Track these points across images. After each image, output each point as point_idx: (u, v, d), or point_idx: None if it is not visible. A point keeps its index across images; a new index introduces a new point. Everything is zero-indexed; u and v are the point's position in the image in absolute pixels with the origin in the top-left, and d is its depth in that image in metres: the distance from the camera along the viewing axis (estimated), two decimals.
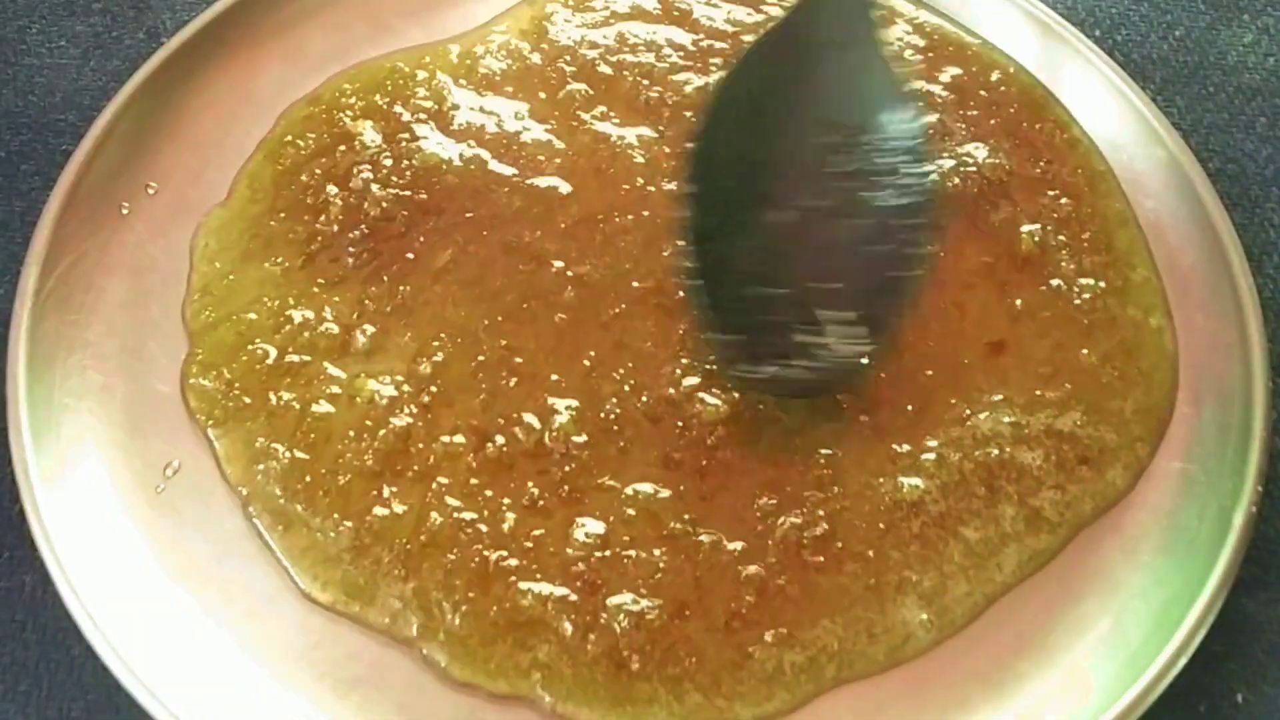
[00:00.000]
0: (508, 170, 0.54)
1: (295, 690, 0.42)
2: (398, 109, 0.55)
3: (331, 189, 0.53)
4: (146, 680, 0.41)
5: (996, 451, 0.47)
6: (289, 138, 0.54)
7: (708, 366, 0.48)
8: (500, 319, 0.50)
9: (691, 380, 0.48)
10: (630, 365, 0.48)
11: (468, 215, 0.52)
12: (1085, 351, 0.50)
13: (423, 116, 0.55)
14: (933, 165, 0.49)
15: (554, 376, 0.48)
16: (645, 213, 0.52)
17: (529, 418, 0.47)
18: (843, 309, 0.45)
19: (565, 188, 0.53)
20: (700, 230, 0.47)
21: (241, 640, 0.43)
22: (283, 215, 0.52)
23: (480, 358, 0.49)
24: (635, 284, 0.50)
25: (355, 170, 0.53)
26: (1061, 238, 0.53)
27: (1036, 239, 0.52)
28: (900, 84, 0.50)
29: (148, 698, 0.41)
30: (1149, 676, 0.42)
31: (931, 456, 0.47)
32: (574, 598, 0.43)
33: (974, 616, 0.44)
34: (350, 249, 0.51)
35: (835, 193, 0.47)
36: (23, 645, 0.45)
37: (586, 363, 0.48)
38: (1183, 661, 0.42)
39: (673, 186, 0.53)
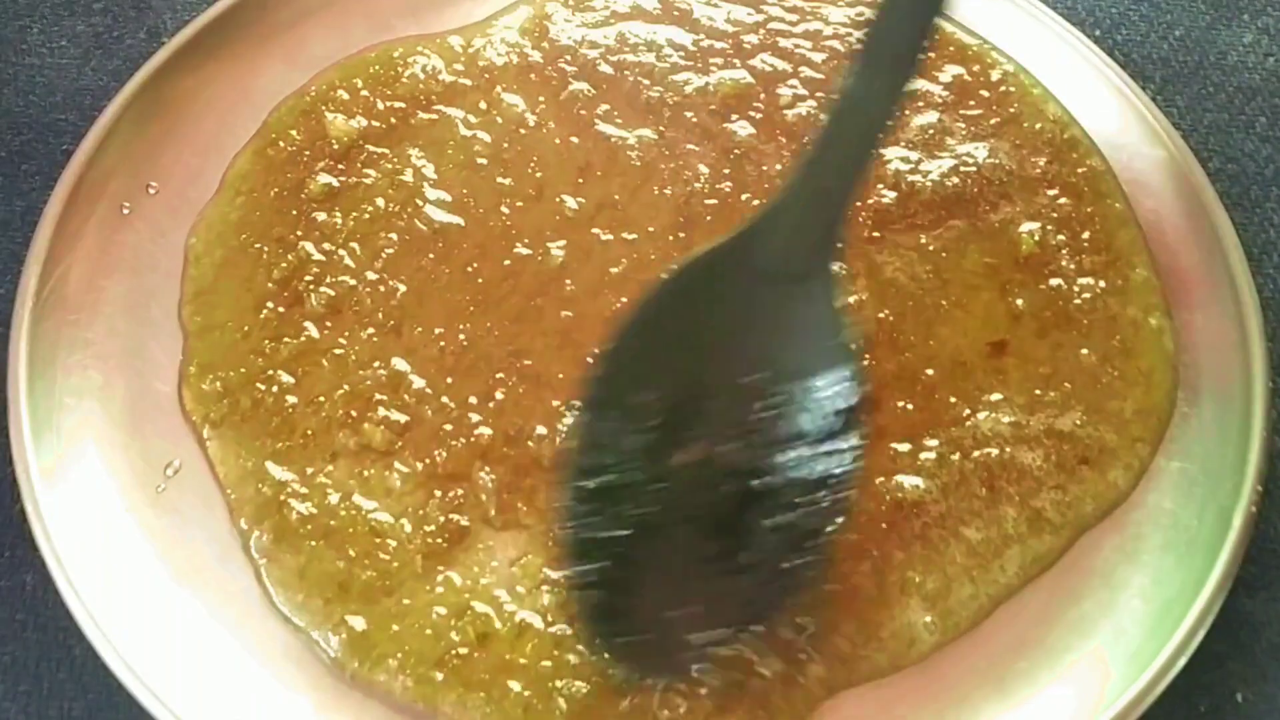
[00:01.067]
0: (507, 171, 0.54)
1: (296, 690, 0.42)
2: (387, 103, 0.55)
3: (320, 182, 0.53)
4: (147, 680, 0.41)
5: (996, 452, 0.47)
6: (273, 136, 0.54)
7: None
8: (508, 321, 0.50)
9: None
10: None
11: (468, 216, 0.52)
12: (1085, 351, 0.50)
13: (416, 108, 0.55)
14: (858, 440, 0.41)
15: (560, 375, 0.48)
16: (644, 212, 0.52)
17: (540, 429, 0.47)
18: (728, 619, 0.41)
19: (565, 187, 0.53)
20: (586, 464, 0.42)
21: (242, 640, 0.43)
22: (270, 225, 0.52)
23: (487, 361, 0.49)
24: (638, 279, 0.51)
25: (347, 175, 0.53)
26: (1061, 238, 0.53)
27: (1036, 239, 0.53)
28: (847, 339, 0.43)
29: (148, 697, 0.41)
30: (1149, 676, 0.42)
31: (932, 456, 0.47)
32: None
33: (979, 620, 0.44)
34: (340, 251, 0.51)
35: (748, 442, 0.42)
36: (23, 645, 0.45)
37: (590, 360, 0.48)
38: (1183, 661, 0.42)
39: (669, 190, 0.53)
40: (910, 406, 0.48)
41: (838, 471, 0.41)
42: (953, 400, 0.48)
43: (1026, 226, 0.53)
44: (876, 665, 0.43)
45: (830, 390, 0.42)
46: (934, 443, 0.47)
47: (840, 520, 0.42)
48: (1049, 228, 0.53)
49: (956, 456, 0.47)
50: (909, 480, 0.46)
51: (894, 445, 0.47)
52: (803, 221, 0.44)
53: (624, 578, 0.41)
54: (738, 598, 0.42)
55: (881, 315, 0.50)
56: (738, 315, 0.44)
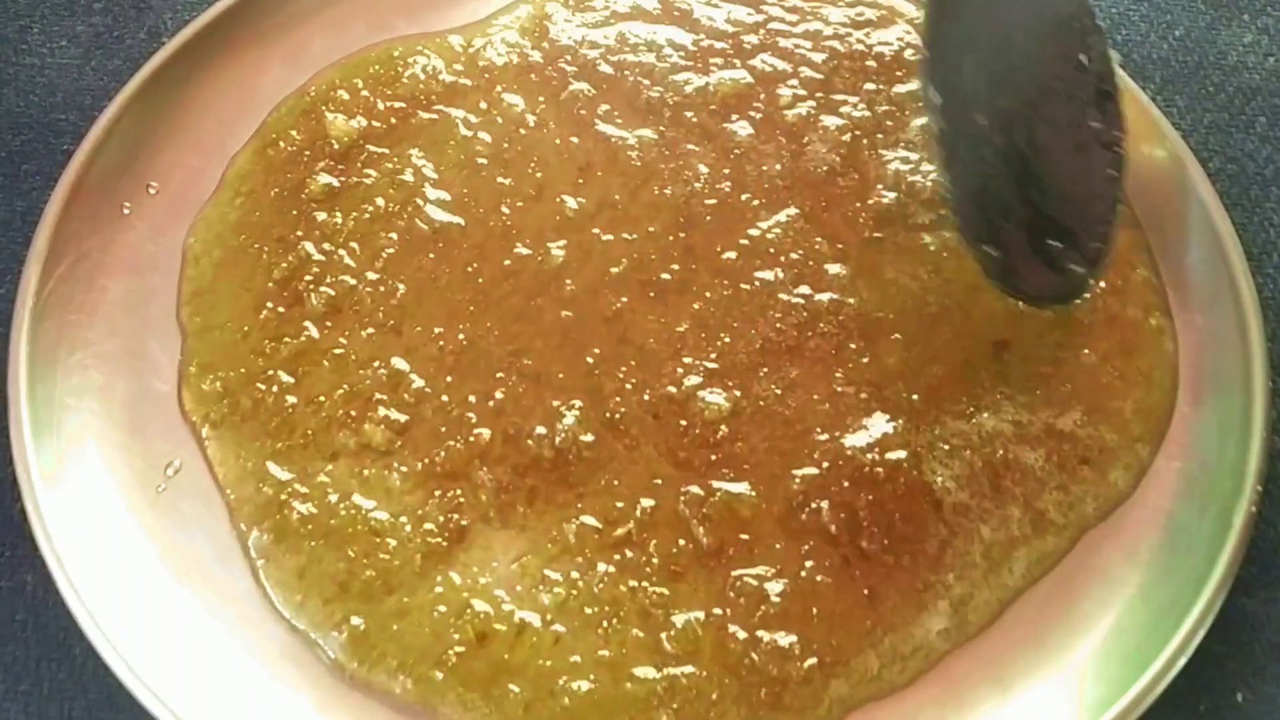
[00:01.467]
0: (507, 171, 0.54)
1: (296, 690, 0.43)
2: (387, 103, 0.55)
3: (320, 182, 0.53)
4: (147, 679, 0.41)
5: (1002, 451, 0.47)
6: (273, 136, 0.55)
7: (708, 364, 0.48)
8: (508, 321, 0.50)
9: (694, 379, 0.48)
10: (632, 363, 0.49)
11: (468, 216, 0.52)
12: (1085, 351, 0.50)
13: (416, 108, 0.55)
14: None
15: (560, 375, 0.48)
16: (644, 212, 0.53)
17: (540, 429, 0.47)
18: (1080, 221, 0.48)
19: (565, 187, 0.53)
20: (951, 149, 0.47)
21: (242, 640, 0.43)
22: (270, 225, 0.52)
23: (487, 360, 0.49)
24: (638, 279, 0.51)
25: (346, 176, 0.53)
26: None
27: None
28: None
29: (149, 697, 0.41)
30: (1149, 675, 0.42)
31: (945, 448, 0.47)
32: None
33: (989, 623, 0.44)
34: (340, 251, 0.52)
35: (1060, 101, 0.48)
36: (24, 644, 0.45)
37: (589, 360, 0.49)
38: (1183, 660, 0.42)
39: (669, 190, 0.53)
40: (915, 397, 0.48)
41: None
42: (957, 398, 0.48)
43: None
44: (891, 684, 0.43)
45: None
46: (942, 433, 0.47)
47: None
48: None
49: (967, 452, 0.47)
50: (930, 473, 0.46)
51: (905, 437, 0.47)
52: None
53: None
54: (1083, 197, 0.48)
55: (882, 315, 0.50)
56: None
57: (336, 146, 0.54)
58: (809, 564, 0.44)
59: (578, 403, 0.47)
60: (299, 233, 0.52)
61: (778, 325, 0.49)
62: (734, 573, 0.44)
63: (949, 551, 0.45)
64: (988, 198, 0.48)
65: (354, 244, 0.52)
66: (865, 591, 0.44)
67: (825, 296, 0.50)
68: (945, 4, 0.48)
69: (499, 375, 0.48)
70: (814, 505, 0.45)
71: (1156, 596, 0.44)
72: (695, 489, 0.46)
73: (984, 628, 0.44)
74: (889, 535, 0.45)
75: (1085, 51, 0.49)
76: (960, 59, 0.47)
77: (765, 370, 0.48)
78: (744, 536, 0.45)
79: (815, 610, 0.44)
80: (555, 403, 0.48)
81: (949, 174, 0.48)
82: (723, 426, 0.47)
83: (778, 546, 0.45)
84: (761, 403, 0.48)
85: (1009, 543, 0.46)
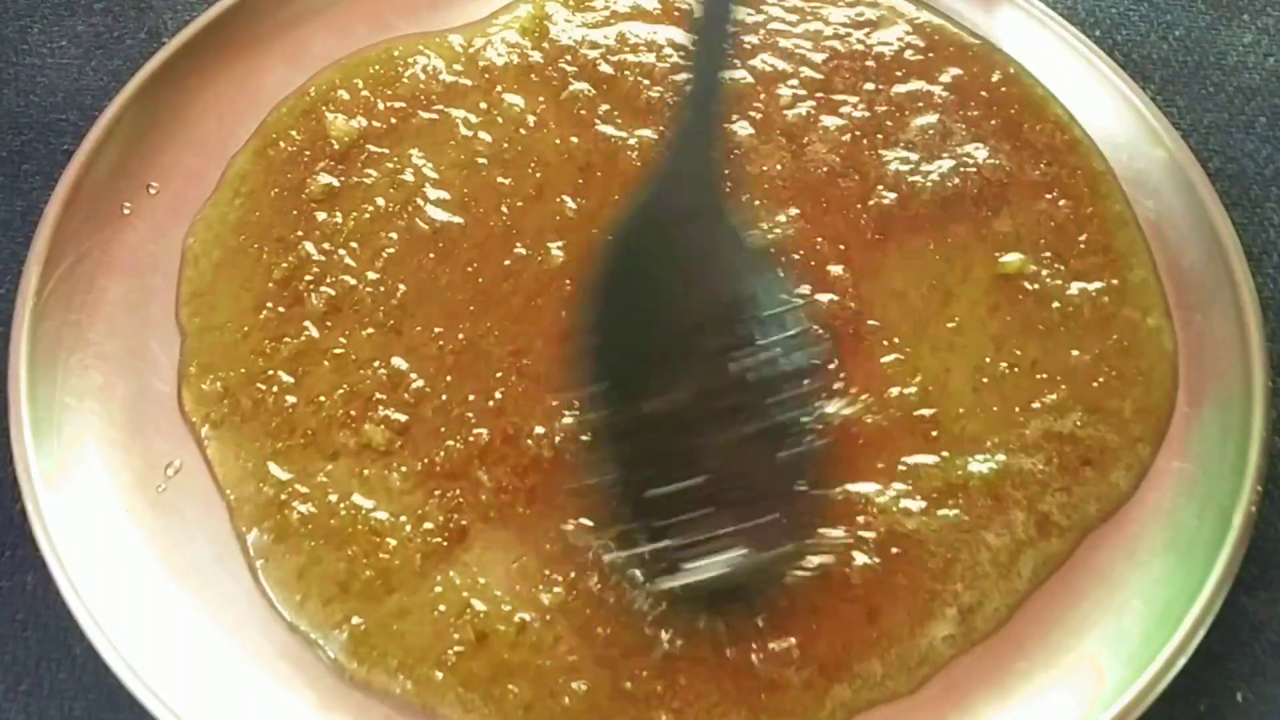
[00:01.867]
0: (507, 171, 0.54)
1: (295, 690, 0.43)
2: (387, 103, 0.55)
3: (320, 182, 0.53)
4: (147, 679, 0.41)
5: (1004, 456, 0.47)
6: (273, 136, 0.55)
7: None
8: (507, 321, 0.50)
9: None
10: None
11: (468, 216, 0.52)
12: (1083, 352, 0.50)
13: (416, 108, 0.55)
14: (801, 324, 0.46)
15: (559, 375, 0.48)
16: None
17: (539, 429, 0.47)
18: (753, 501, 0.43)
19: (565, 187, 0.53)
20: (605, 430, 0.45)
21: (243, 640, 0.43)
22: (270, 225, 0.52)
23: (487, 360, 0.49)
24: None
25: (346, 176, 0.53)
26: (1059, 238, 0.53)
27: (1035, 239, 0.52)
28: (756, 250, 0.49)
29: (149, 697, 0.41)
30: (1149, 675, 0.42)
31: (936, 461, 0.47)
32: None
33: (996, 629, 0.44)
34: (340, 252, 0.52)
35: (722, 373, 0.44)
36: (24, 644, 0.45)
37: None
38: (1183, 660, 0.42)
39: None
40: (911, 391, 0.48)
41: (803, 361, 0.45)
42: (954, 399, 0.48)
43: (1025, 228, 0.53)
44: (897, 691, 0.43)
45: (768, 301, 0.46)
46: (941, 449, 0.47)
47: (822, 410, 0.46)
48: (1048, 228, 0.53)
49: (961, 460, 0.47)
50: (929, 470, 0.47)
51: (904, 455, 0.47)
52: (696, 162, 0.49)
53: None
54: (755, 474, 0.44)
55: (883, 315, 0.50)
56: (668, 261, 0.48)
57: (336, 146, 0.54)
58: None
59: (577, 402, 0.47)
60: (299, 233, 0.52)
61: None
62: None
63: (957, 565, 0.45)
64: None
65: (354, 244, 0.52)
66: (867, 611, 0.44)
67: (826, 297, 0.50)
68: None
69: (498, 375, 0.48)
70: None
71: (1156, 596, 0.44)
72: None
73: (990, 633, 0.44)
74: (880, 556, 0.45)
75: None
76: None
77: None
78: None
79: (814, 626, 0.43)
80: (554, 403, 0.48)
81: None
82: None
83: None
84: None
85: (1015, 547, 0.46)
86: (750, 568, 0.42)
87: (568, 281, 0.51)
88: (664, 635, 0.43)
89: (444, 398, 0.48)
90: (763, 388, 0.44)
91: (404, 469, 0.46)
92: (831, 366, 0.49)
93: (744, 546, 0.42)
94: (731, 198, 0.50)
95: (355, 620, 0.43)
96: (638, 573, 0.43)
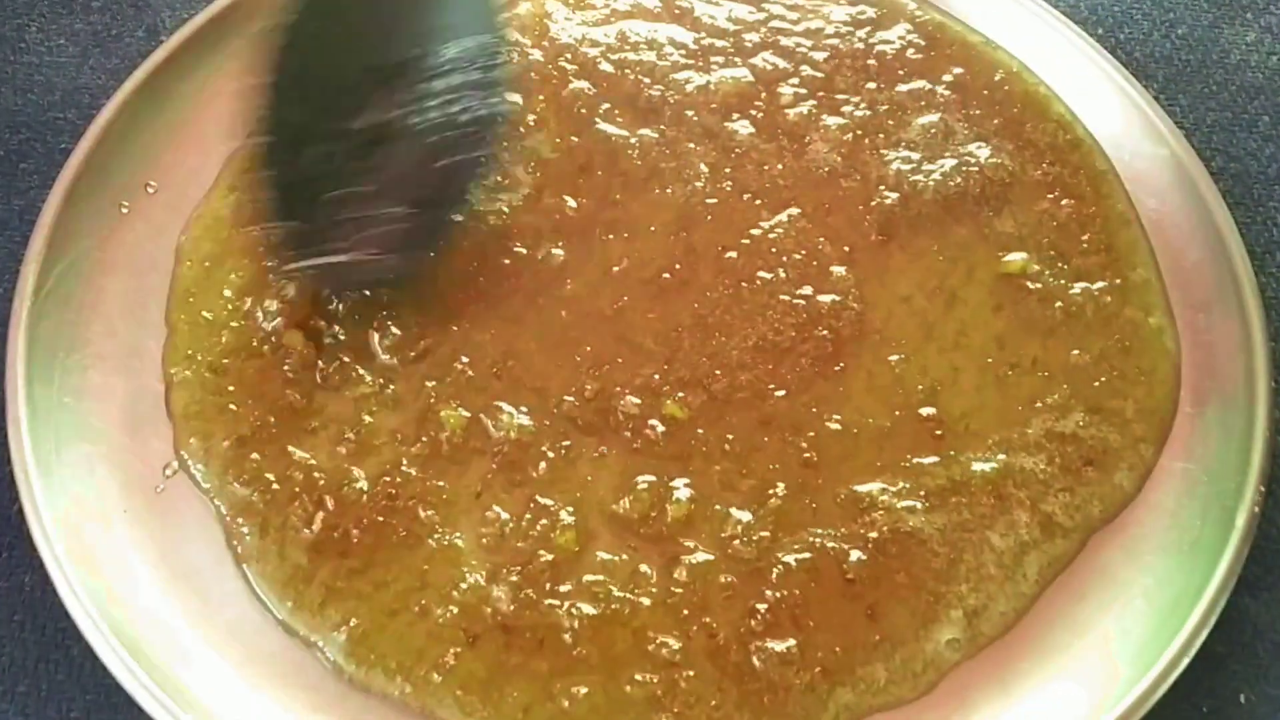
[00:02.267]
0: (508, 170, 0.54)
1: (295, 690, 0.42)
2: None
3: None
4: (145, 680, 0.41)
5: (1005, 455, 0.47)
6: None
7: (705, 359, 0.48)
8: (507, 321, 0.50)
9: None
10: (631, 360, 0.49)
11: (468, 215, 0.52)
12: (1080, 352, 0.50)
13: None
14: (500, 92, 0.50)
15: (556, 375, 0.48)
16: (644, 211, 0.52)
17: (526, 419, 0.47)
18: (403, 201, 0.47)
19: (565, 187, 0.53)
20: (275, 140, 0.47)
21: (242, 640, 0.43)
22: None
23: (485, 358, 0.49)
24: (638, 281, 0.51)
25: None
26: (1061, 238, 0.52)
27: (1037, 240, 0.52)
28: (489, 9, 0.51)
29: (146, 698, 0.41)
30: (1152, 676, 0.42)
31: (937, 460, 0.47)
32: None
33: (1002, 633, 0.44)
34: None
35: (406, 103, 0.48)
36: (22, 645, 0.45)
37: (578, 358, 0.48)
38: (1185, 661, 0.42)
39: (670, 190, 0.53)
40: (914, 391, 0.48)
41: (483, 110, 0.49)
42: (958, 399, 0.48)
43: (1028, 228, 0.53)
44: (902, 698, 0.43)
45: (469, 50, 0.49)
46: (945, 445, 0.47)
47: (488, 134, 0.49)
48: (1050, 228, 0.53)
49: (964, 457, 0.47)
50: (931, 470, 0.47)
51: (907, 453, 0.47)
52: None
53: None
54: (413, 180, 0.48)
55: (886, 315, 0.50)
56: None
57: None
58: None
59: (571, 398, 0.47)
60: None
61: (776, 325, 0.49)
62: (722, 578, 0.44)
63: (961, 565, 0.45)
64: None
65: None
66: (867, 610, 0.44)
67: (827, 298, 0.50)
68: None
69: (495, 372, 0.48)
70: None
71: (1159, 597, 0.44)
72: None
73: (995, 638, 0.44)
74: (882, 554, 0.45)
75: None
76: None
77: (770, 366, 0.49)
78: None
79: (813, 623, 0.43)
80: (550, 402, 0.47)
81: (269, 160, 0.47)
82: (728, 435, 0.47)
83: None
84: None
85: (1020, 548, 0.45)
86: (374, 265, 0.47)
87: (568, 282, 0.50)
88: (660, 639, 0.43)
89: (433, 399, 0.48)
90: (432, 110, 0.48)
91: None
92: (838, 369, 0.49)
93: (375, 246, 0.47)
94: None
95: (353, 622, 0.43)
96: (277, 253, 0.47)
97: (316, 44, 0.47)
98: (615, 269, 0.51)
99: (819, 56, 0.57)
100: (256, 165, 0.47)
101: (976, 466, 0.47)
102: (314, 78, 0.47)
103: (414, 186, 0.48)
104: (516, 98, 0.54)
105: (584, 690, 0.42)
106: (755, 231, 0.52)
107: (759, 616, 0.43)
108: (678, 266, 0.51)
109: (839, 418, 0.48)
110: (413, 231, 0.48)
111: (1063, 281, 0.51)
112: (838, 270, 0.51)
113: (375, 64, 0.48)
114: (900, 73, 0.57)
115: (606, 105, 0.55)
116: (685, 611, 0.43)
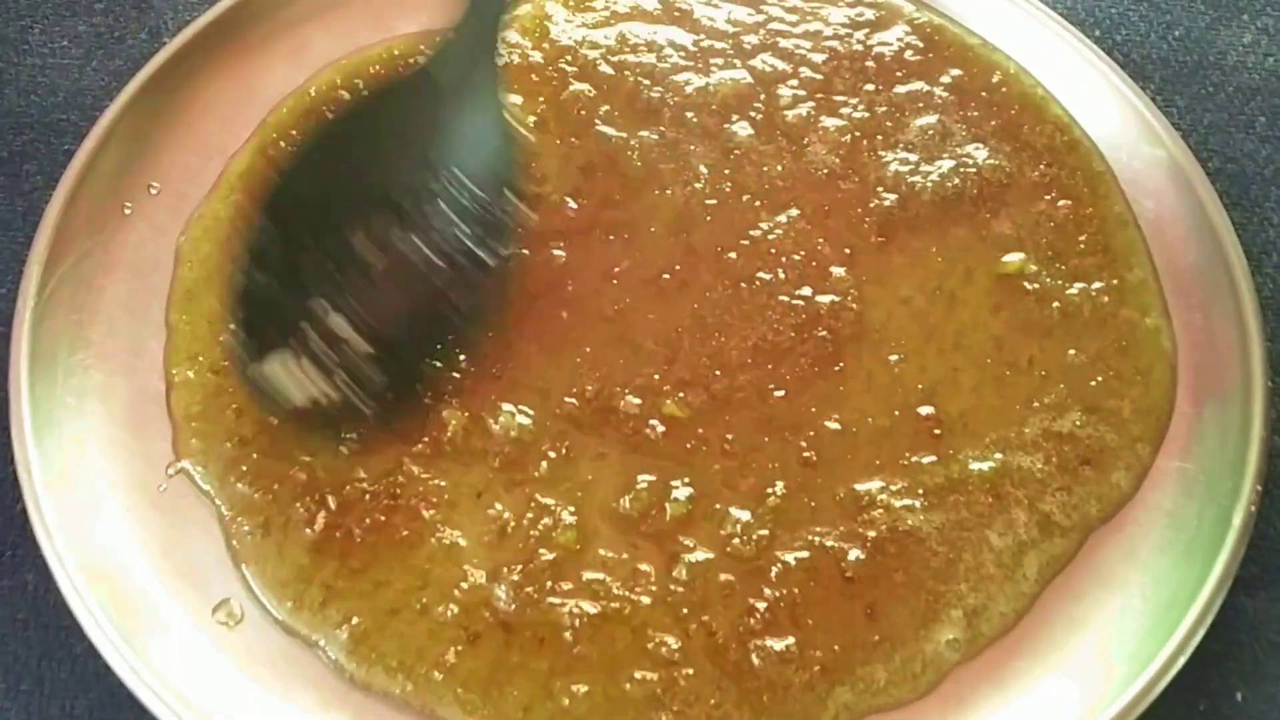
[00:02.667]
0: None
1: (296, 690, 0.43)
2: None
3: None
4: (148, 678, 0.41)
5: (1001, 454, 0.47)
6: (274, 135, 0.55)
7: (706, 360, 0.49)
8: (506, 321, 0.50)
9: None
10: (631, 360, 0.49)
11: None
12: (1077, 352, 0.50)
13: None
14: (517, 213, 0.49)
15: (555, 375, 0.48)
16: (644, 212, 0.53)
17: (524, 419, 0.47)
18: (371, 337, 0.46)
19: (565, 187, 0.53)
20: (267, 245, 0.47)
21: (244, 639, 0.43)
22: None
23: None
24: (638, 280, 0.51)
25: None
26: (1059, 238, 0.53)
27: (1035, 241, 0.53)
28: (509, 132, 0.50)
29: (149, 696, 0.41)
30: (1149, 675, 0.42)
31: (935, 459, 0.47)
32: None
33: (1002, 633, 0.44)
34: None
35: (415, 228, 0.47)
36: (25, 643, 0.45)
37: (579, 359, 0.49)
38: (1182, 660, 0.42)
39: (670, 190, 0.53)
40: (913, 391, 0.48)
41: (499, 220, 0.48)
42: (956, 398, 0.49)
43: (1025, 229, 0.53)
44: (902, 699, 0.43)
45: (486, 176, 0.48)
46: (943, 446, 0.48)
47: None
48: (1047, 229, 0.53)
49: (962, 456, 0.47)
50: (930, 469, 0.47)
51: (907, 452, 0.47)
52: (472, 45, 0.50)
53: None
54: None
55: (885, 317, 0.50)
56: (419, 124, 0.49)
57: None
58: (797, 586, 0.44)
59: (571, 399, 0.48)
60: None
61: (776, 326, 0.50)
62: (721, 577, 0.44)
63: (960, 565, 0.45)
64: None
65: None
66: (866, 609, 0.44)
67: (827, 299, 0.50)
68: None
69: (494, 371, 0.48)
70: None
71: (1156, 596, 0.44)
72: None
73: (996, 638, 0.44)
74: (880, 553, 0.45)
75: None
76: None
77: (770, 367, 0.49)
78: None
79: (812, 622, 0.44)
80: (550, 402, 0.48)
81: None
82: (728, 434, 0.47)
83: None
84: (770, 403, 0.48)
85: (1019, 548, 0.46)
86: (334, 397, 0.45)
87: (568, 282, 0.51)
88: (658, 638, 0.43)
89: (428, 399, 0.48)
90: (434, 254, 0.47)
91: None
92: (837, 369, 0.49)
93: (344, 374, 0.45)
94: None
95: (355, 620, 0.43)
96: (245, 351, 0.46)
97: (333, 159, 0.48)
98: (615, 270, 0.51)
99: (818, 58, 0.57)
100: (245, 261, 0.47)
101: (974, 465, 0.47)
102: (326, 185, 0.47)
103: (387, 323, 0.46)
104: (517, 98, 0.54)
105: (584, 688, 0.42)
106: (755, 232, 0.52)
107: (758, 615, 0.44)
108: (678, 267, 0.51)
109: (838, 417, 0.48)
110: (366, 378, 0.46)
111: (1060, 282, 0.51)
112: (837, 271, 0.51)
113: (385, 186, 0.48)
114: (898, 74, 0.57)
115: (606, 107, 0.56)
116: (685, 610, 0.44)
